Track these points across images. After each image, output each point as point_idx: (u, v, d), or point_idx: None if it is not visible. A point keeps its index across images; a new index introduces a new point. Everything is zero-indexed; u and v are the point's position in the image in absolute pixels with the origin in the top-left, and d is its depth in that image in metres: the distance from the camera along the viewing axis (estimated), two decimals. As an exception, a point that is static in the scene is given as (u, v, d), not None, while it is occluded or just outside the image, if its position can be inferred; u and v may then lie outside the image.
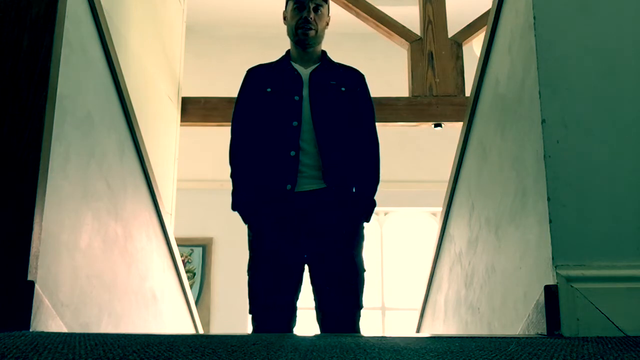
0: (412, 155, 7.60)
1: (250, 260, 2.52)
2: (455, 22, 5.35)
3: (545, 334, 1.70)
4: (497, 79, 2.40)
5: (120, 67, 2.74)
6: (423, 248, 7.25)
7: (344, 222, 2.51)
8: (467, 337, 1.64)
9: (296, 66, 2.65)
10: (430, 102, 5.07)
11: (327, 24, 2.71)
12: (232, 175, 2.58)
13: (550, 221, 1.76)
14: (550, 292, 1.71)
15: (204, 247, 7.44)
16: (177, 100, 4.90)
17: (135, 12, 3.77)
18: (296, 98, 2.56)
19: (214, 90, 5.28)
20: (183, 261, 5.22)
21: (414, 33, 5.30)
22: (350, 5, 5.38)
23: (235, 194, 2.55)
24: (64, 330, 1.96)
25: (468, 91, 4.59)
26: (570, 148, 1.81)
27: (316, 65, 2.66)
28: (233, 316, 6.98)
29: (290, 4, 2.66)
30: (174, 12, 4.80)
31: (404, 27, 5.34)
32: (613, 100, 1.85)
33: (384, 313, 7.51)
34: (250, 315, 2.51)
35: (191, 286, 6.15)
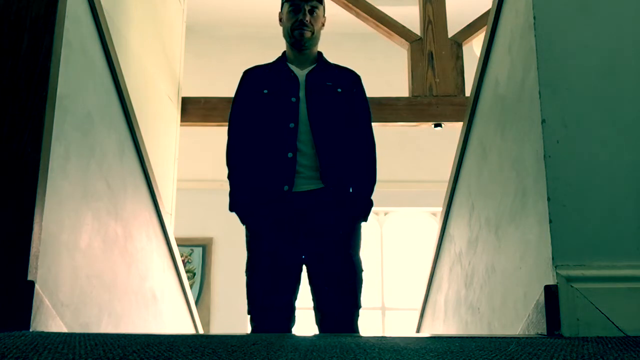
0: (412, 155, 7.60)
1: (248, 261, 2.53)
2: (455, 22, 5.35)
3: (545, 334, 1.70)
4: (497, 79, 2.40)
5: (120, 67, 2.74)
6: (423, 248, 7.25)
7: (342, 222, 2.51)
8: (467, 337, 1.64)
9: (292, 67, 2.66)
10: (430, 102, 5.07)
11: (323, 25, 2.72)
12: (229, 177, 2.59)
13: (550, 221, 1.76)
14: (550, 292, 1.71)
15: (204, 247, 7.44)
16: (177, 100, 4.90)
17: (135, 12, 3.77)
18: (293, 99, 2.57)
19: (214, 90, 5.28)
20: (183, 261, 5.22)
21: (414, 33, 5.30)
22: (350, 5, 5.38)
23: (232, 195, 2.55)
24: (64, 330, 1.96)
25: (468, 91, 4.59)
26: (570, 148, 1.81)
27: (312, 67, 2.66)
28: (233, 316, 6.98)
29: (286, 5, 2.66)
30: (174, 12, 4.80)
31: (404, 27, 5.34)
32: (613, 100, 1.85)
33: (384, 313, 7.51)
34: (248, 316, 2.51)
35: (191, 286, 6.15)
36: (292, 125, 2.53)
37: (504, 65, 2.29)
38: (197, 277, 7.37)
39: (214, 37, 7.95)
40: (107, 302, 2.51)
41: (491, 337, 1.66)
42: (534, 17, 1.91)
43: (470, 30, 5.34)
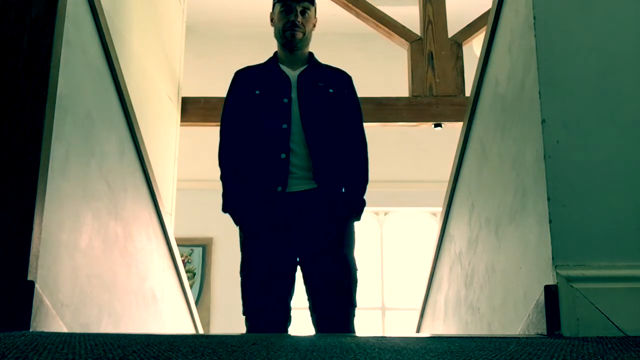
0: (412, 155, 7.60)
1: (242, 262, 2.54)
2: (455, 22, 5.35)
3: (545, 334, 1.70)
4: (497, 79, 2.40)
5: (120, 67, 2.74)
6: (423, 248, 7.25)
7: (335, 222, 2.52)
8: (467, 337, 1.64)
9: (284, 68, 2.66)
10: (430, 102, 5.07)
11: (314, 26, 2.72)
12: (222, 178, 2.59)
13: (550, 221, 1.76)
14: (550, 292, 1.71)
15: (204, 247, 7.44)
16: (177, 100, 4.91)
17: (135, 12, 3.77)
18: (285, 100, 2.58)
19: (214, 90, 5.27)
20: (183, 261, 5.22)
21: (414, 33, 5.30)
22: (350, 5, 5.38)
23: (225, 196, 2.56)
24: (64, 330, 1.96)
25: (468, 91, 4.59)
26: (570, 148, 1.81)
27: (304, 67, 2.67)
28: (233, 316, 6.93)
29: (277, 6, 2.66)
30: (174, 12, 4.80)
31: (404, 27, 5.34)
32: (613, 100, 1.85)
33: (384, 313, 7.51)
34: (244, 317, 2.52)
35: (191, 286, 6.15)
36: (284, 126, 2.53)
37: (504, 65, 2.29)
38: (197, 277, 7.37)
39: (214, 37, 7.95)
40: (107, 302, 2.51)
41: (491, 337, 1.66)
42: (534, 17, 1.91)
43: (470, 30, 5.34)
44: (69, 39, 2.11)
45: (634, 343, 1.50)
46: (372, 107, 5.08)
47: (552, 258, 1.74)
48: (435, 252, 3.64)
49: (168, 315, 3.49)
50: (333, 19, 7.43)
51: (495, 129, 2.43)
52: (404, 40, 5.31)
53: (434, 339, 1.63)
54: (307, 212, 2.48)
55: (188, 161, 5.67)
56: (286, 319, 2.51)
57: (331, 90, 2.64)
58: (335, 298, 2.48)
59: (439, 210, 3.66)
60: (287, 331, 2.50)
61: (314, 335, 1.80)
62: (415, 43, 5.24)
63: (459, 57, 5.19)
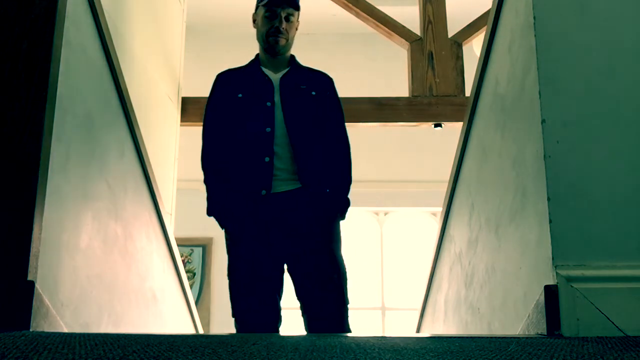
0: (412, 155, 7.60)
1: (228, 265, 2.55)
2: (455, 22, 5.35)
3: (545, 334, 1.70)
4: (497, 79, 2.40)
5: (120, 67, 2.74)
6: (423, 248, 7.25)
7: (320, 221, 2.52)
8: (467, 337, 1.64)
9: (266, 71, 2.67)
10: (430, 102, 5.07)
11: (296, 29, 2.73)
12: (205, 181, 2.60)
13: (550, 221, 1.76)
14: (550, 292, 1.71)
15: (204, 247, 7.43)
16: (177, 100, 4.90)
17: (135, 12, 3.77)
18: (268, 104, 2.58)
19: (214, 90, 5.27)
20: (183, 261, 5.22)
21: (414, 33, 5.30)
22: (350, 5, 5.38)
23: (210, 199, 2.57)
24: (64, 330, 1.96)
25: (468, 91, 4.59)
26: (570, 148, 1.81)
27: (286, 70, 2.67)
28: (233, 316, 6.97)
29: (261, 10, 2.66)
30: (174, 12, 4.80)
31: (404, 27, 5.34)
32: (613, 100, 1.85)
33: (384, 313, 7.50)
34: (233, 319, 2.54)
35: (191, 286, 6.15)
36: (268, 129, 2.54)
37: (504, 65, 2.29)
38: (197, 277, 7.37)
39: (214, 37, 7.95)
40: (107, 302, 2.51)
41: (491, 337, 1.66)
42: (534, 17, 1.91)
43: (470, 30, 5.34)
44: (69, 39, 2.11)
45: (634, 343, 1.50)
46: (372, 107, 5.09)
47: (552, 258, 1.74)
48: (435, 252, 3.64)
49: (168, 315, 3.49)
50: (333, 19, 7.44)
51: (495, 129, 2.43)
52: (404, 40, 5.31)
53: (434, 339, 1.63)
54: (290, 212, 2.49)
55: (188, 161, 5.66)
56: (275, 319, 2.51)
57: (313, 93, 2.65)
58: (326, 295, 2.47)
59: (439, 210, 3.66)
60: (277, 331, 2.50)
61: (314, 335, 1.80)
62: (415, 43, 5.24)
63: (459, 57, 5.19)
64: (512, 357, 1.32)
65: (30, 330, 1.71)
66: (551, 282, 1.73)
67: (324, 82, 2.72)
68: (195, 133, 5.99)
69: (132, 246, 2.88)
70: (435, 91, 5.09)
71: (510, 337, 1.66)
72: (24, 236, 1.77)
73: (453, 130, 4.54)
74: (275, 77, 2.65)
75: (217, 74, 2.76)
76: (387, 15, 5.41)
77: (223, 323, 7.14)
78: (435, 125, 5.09)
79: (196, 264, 7.41)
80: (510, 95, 2.21)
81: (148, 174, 3.12)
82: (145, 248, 3.11)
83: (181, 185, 4.94)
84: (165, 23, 4.57)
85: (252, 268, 2.48)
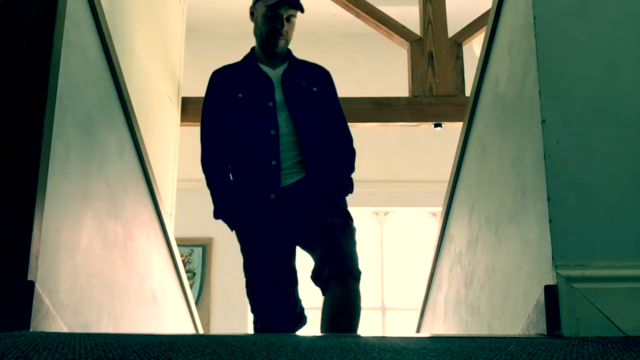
0: (412, 155, 7.60)
1: (243, 263, 2.56)
2: (455, 22, 5.35)
3: (545, 334, 1.70)
4: (497, 79, 2.40)
5: (120, 67, 2.74)
6: (423, 248, 7.25)
7: (324, 197, 2.50)
8: (467, 337, 1.64)
9: (264, 68, 2.63)
10: (430, 102, 5.07)
11: (293, 29, 2.69)
12: (208, 185, 2.59)
13: (550, 221, 1.76)
14: (550, 292, 1.71)
15: (204, 247, 7.43)
16: (177, 100, 4.90)
17: (135, 12, 3.77)
18: (270, 104, 2.54)
19: (214, 90, 5.27)
20: (183, 261, 5.22)
21: (414, 33, 5.30)
22: (350, 5, 5.38)
23: (215, 203, 2.56)
24: (64, 330, 1.96)
25: (468, 91, 4.59)
26: (570, 148, 1.81)
27: (284, 67, 2.64)
28: (233, 316, 6.98)
29: (261, 8, 2.58)
30: (174, 12, 4.80)
31: (404, 27, 5.34)
32: (613, 100, 1.85)
33: (384, 313, 7.51)
34: (252, 315, 2.52)
35: (191, 286, 6.15)
36: (272, 132, 2.50)
37: (504, 65, 2.29)
38: (197, 277, 7.37)
39: (214, 37, 7.94)
40: (107, 302, 2.51)
41: (491, 337, 1.66)
42: (534, 17, 1.91)
43: (470, 30, 5.34)
44: (69, 39, 2.10)
45: (634, 343, 1.50)
46: (372, 107, 5.08)
47: (552, 258, 1.74)
48: (435, 252, 3.64)
49: (168, 315, 3.49)
50: (333, 19, 7.44)
51: (495, 128, 2.43)
52: (404, 40, 5.30)
53: (434, 339, 1.63)
54: (297, 196, 2.48)
55: (188, 161, 5.66)
56: (293, 313, 2.50)
57: (315, 89, 2.62)
58: (341, 235, 2.41)
59: (439, 210, 3.66)
60: (300, 323, 2.49)
61: (314, 335, 1.80)
62: (415, 43, 5.24)
63: (459, 57, 5.19)
64: (512, 357, 1.32)
65: (30, 330, 1.71)
66: (551, 282, 1.73)
67: (323, 76, 2.69)
68: (195, 133, 5.99)
69: (132, 246, 2.88)
70: (435, 91, 5.09)
71: (510, 337, 1.66)
72: (24, 236, 1.77)
73: (453, 130, 4.54)
74: (274, 73, 2.61)
75: (212, 72, 2.73)
76: (387, 15, 5.41)
77: (223, 323, 7.14)
78: (435, 125, 5.09)
79: (196, 264, 7.40)
80: (510, 95, 2.21)
81: (148, 174, 3.11)
82: (145, 248, 3.11)
83: (181, 185, 4.94)
84: (165, 23, 4.57)
85: (269, 261, 2.48)
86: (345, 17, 5.59)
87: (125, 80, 2.81)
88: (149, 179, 3.14)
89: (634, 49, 1.88)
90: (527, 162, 1.97)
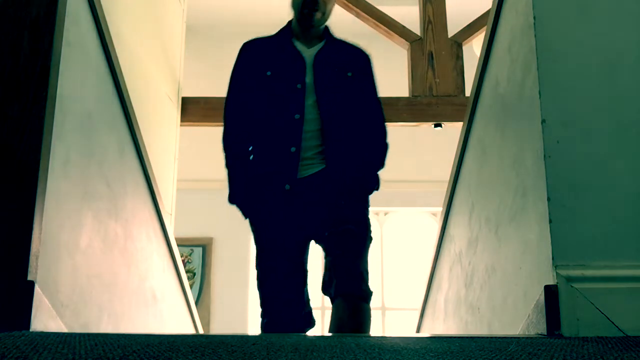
0: (412, 155, 7.60)
1: (256, 255, 2.46)
2: (455, 22, 5.35)
3: (545, 334, 1.70)
4: (497, 79, 2.40)
5: (120, 67, 2.74)
6: (423, 248, 7.25)
7: (344, 196, 2.37)
8: (467, 337, 1.64)
9: (298, 46, 2.48)
10: (430, 102, 5.07)
11: (334, 3, 2.57)
12: (227, 165, 2.46)
13: (550, 221, 1.76)
14: (550, 292, 1.71)
15: (204, 247, 7.43)
16: (177, 100, 4.90)
17: (135, 12, 3.77)
18: (298, 86, 2.40)
19: (214, 90, 5.25)
20: (183, 261, 5.22)
21: (414, 33, 5.30)
22: (350, 5, 5.38)
23: (231, 187, 2.44)
24: (64, 330, 1.96)
25: (468, 91, 4.59)
26: (570, 148, 1.81)
27: (320, 46, 2.50)
28: (233, 316, 6.98)
29: None
30: (174, 12, 4.80)
31: (404, 27, 5.34)
32: (613, 100, 1.85)
33: (384, 313, 7.51)
34: (260, 309, 2.44)
35: (191, 286, 6.15)
36: (297, 116, 2.36)
37: (504, 65, 2.29)
38: (197, 277, 7.37)
39: (214, 37, 7.94)
40: (107, 302, 2.51)
41: (491, 337, 1.66)
42: (534, 17, 1.91)
43: (470, 30, 5.34)
44: (69, 39, 2.11)
45: (634, 343, 1.50)
46: (372, 107, 5.07)
47: (552, 258, 1.74)
48: (435, 252, 3.64)
49: (168, 315, 3.49)
50: (333, 19, 7.43)
51: (495, 129, 2.43)
52: (404, 40, 5.30)
53: (434, 339, 1.63)
54: (315, 188, 2.36)
55: (188, 161, 5.67)
56: (302, 310, 2.42)
57: (350, 74, 2.48)
58: (354, 249, 2.31)
59: (439, 210, 3.66)
60: (309, 324, 2.43)
61: (314, 335, 1.80)
62: (415, 43, 5.24)
63: (459, 57, 5.19)
64: (512, 357, 1.32)
65: (30, 330, 1.71)
66: (551, 282, 1.73)
67: (361, 61, 2.54)
68: (195, 133, 6.01)
69: (132, 246, 2.88)
70: (435, 91, 5.09)
71: (510, 337, 1.66)
72: (24, 236, 1.77)
73: (453, 130, 4.54)
74: (308, 52, 2.46)
75: (243, 43, 2.56)
76: (387, 15, 5.41)
77: (223, 323, 7.14)
78: (435, 125, 5.09)
79: (196, 264, 7.41)
80: (510, 95, 2.21)
81: (148, 174, 3.11)
82: (145, 248, 3.11)
83: (181, 185, 4.94)
84: (165, 23, 4.57)
85: (283, 255, 2.38)
86: (345, 17, 5.59)
87: (125, 80, 2.81)
88: (149, 179, 3.14)
89: (634, 49, 1.88)
90: (527, 162, 1.97)
